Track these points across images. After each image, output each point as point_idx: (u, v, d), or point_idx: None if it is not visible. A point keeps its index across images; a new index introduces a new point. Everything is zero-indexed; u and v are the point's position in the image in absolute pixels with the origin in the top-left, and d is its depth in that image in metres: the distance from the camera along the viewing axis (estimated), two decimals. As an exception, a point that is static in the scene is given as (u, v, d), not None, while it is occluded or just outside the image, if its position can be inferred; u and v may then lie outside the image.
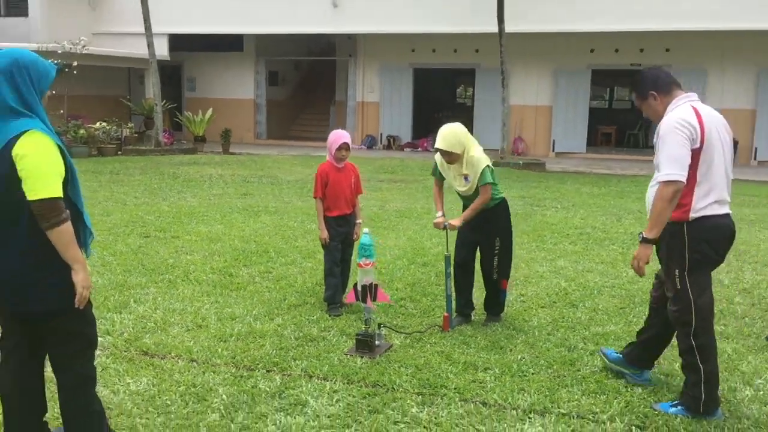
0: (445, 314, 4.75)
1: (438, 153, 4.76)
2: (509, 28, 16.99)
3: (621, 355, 3.97)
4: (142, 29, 17.87)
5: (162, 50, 19.44)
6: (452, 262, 4.86)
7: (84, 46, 16.64)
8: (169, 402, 3.54)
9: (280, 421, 3.36)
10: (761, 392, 3.81)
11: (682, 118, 3.38)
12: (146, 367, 3.96)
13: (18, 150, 2.65)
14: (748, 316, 5.16)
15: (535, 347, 4.41)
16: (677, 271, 3.47)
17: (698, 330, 3.46)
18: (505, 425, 3.36)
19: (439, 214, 4.85)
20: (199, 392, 3.66)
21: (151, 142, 18.27)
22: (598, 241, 7.71)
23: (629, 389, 3.80)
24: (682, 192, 3.36)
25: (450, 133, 4.67)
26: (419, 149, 20.12)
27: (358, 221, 5.27)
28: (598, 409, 3.55)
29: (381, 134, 21.07)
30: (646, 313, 3.98)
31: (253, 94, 22.37)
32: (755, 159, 18.02)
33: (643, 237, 3.41)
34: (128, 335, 4.44)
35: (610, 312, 5.18)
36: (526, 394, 3.69)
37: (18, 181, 2.64)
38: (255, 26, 20.15)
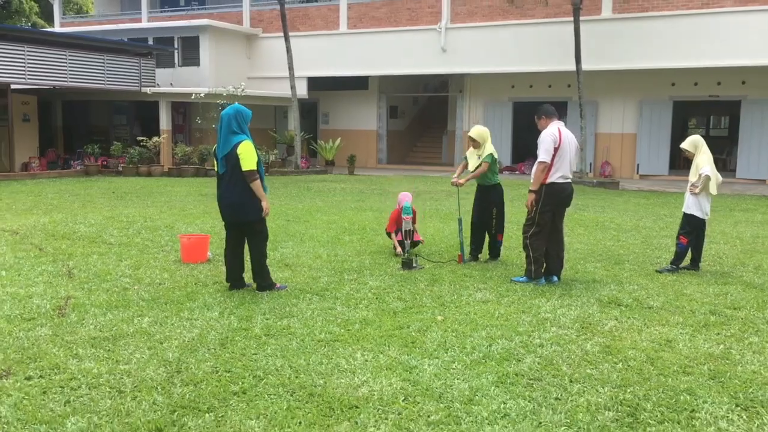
0: (459, 254, 7.92)
1: (470, 140, 7.93)
2: (597, 66, 19.78)
3: (544, 277, 7.00)
4: (286, 74, 22.14)
5: (302, 90, 23.67)
6: (462, 222, 8.04)
7: (243, 89, 21.07)
8: (300, 280, 6.95)
9: (354, 281, 6.68)
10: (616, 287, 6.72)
11: (551, 133, 6.50)
12: (285, 269, 7.41)
13: (239, 149, 6.18)
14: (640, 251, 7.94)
15: (509, 271, 7.49)
16: (537, 206, 6.58)
17: (533, 236, 6.60)
18: (466, 293, 6.49)
19: (455, 177, 7.98)
20: (315, 276, 7.04)
21: (292, 166, 22.41)
22: (603, 229, 10.54)
23: (554, 289, 6.84)
24: (547, 169, 6.48)
25: (481, 130, 7.88)
26: (517, 172, 23.02)
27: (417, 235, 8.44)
28: (524, 292, 6.62)
29: (484, 159, 24.14)
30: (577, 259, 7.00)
31: (375, 126, 26.16)
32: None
33: (529, 190, 6.55)
34: (278, 259, 7.93)
35: (575, 259, 8.12)
36: (491, 286, 6.81)
37: (239, 160, 6.16)
38: (377, 69, 24.00)
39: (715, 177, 7.46)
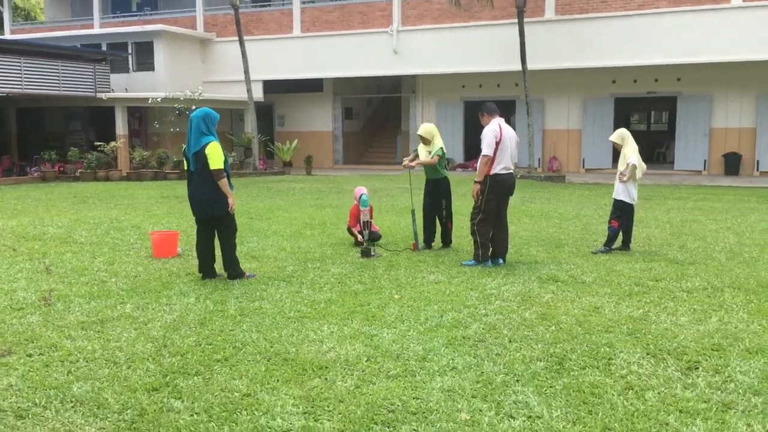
0: (413, 242, 8.56)
1: (420, 138, 8.56)
2: (542, 65, 20.73)
3: (491, 260, 7.68)
4: (242, 77, 22.55)
5: (258, 93, 24.08)
6: (415, 214, 8.68)
7: (200, 93, 21.42)
8: (267, 270, 7.50)
9: (318, 269, 7.26)
10: (568, 267, 7.43)
11: (492, 128, 7.18)
12: (252, 260, 7.95)
13: (207, 149, 6.70)
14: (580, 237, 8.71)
15: (459, 257, 8.15)
16: (483, 196, 7.27)
17: (480, 223, 7.27)
18: (420, 276, 7.13)
19: (406, 161, 8.60)
20: (281, 266, 7.60)
21: (250, 168, 22.82)
22: (547, 218, 11.32)
23: (499, 270, 7.52)
24: (490, 162, 7.17)
25: (428, 127, 8.53)
26: (470, 169, 23.82)
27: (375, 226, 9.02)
28: (473, 273, 7.28)
29: (437, 157, 24.91)
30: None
31: (331, 127, 26.71)
32: (758, 170, 20.77)
33: (475, 181, 7.22)
34: (245, 252, 8.45)
35: (520, 244, 8.83)
36: (442, 269, 7.46)
37: (207, 160, 6.69)
38: (332, 71, 24.55)
39: (641, 166, 8.25)
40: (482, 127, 7.58)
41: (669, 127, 27.34)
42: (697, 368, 4.32)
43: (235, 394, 3.98)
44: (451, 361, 4.47)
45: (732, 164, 21.02)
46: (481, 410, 3.72)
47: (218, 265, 7.12)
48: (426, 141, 8.53)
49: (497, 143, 7.27)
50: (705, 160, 21.57)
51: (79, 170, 20.92)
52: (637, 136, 27.83)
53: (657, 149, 25.46)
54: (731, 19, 19.37)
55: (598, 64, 21.08)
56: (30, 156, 22.98)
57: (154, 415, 3.71)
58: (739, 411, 3.69)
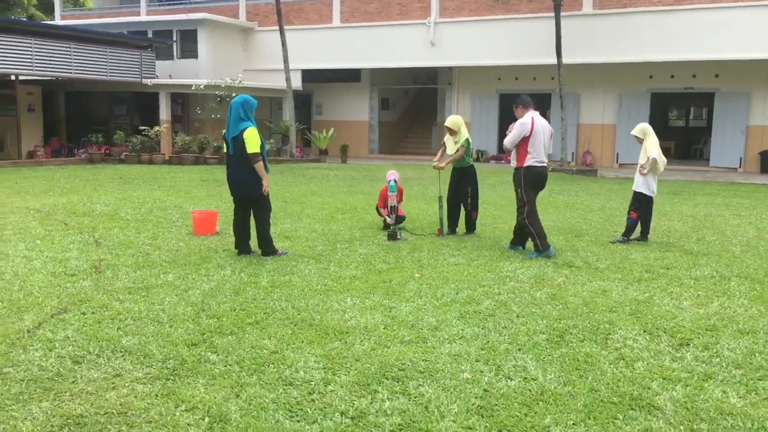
0: (438, 228, 8.97)
1: (447, 129, 8.96)
2: (578, 59, 20.87)
3: (511, 244, 8.02)
4: (281, 66, 23.11)
5: (296, 82, 24.63)
6: (444, 201, 9.08)
7: (241, 81, 22.04)
8: (299, 248, 7.98)
9: (346, 249, 7.71)
10: (586, 253, 7.77)
11: (523, 122, 7.47)
12: (285, 240, 8.44)
13: (245, 134, 7.19)
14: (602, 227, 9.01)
15: (482, 242, 8.53)
16: (520, 190, 7.58)
17: (529, 215, 7.54)
18: (442, 258, 7.53)
19: (436, 160, 9.04)
20: (312, 245, 8.07)
21: (287, 155, 23.40)
22: (572, 209, 11.62)
23: (517, 255, 7.88)
24: (523, 153, 7.48)
25: (455, 119, 8.92)
26: (503, 161, 24.07)
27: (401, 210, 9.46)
28: (492, 257, 7.66)
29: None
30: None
31: (368, 117, 27.17)
32: (793, 167, 20.66)
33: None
34: (278, 232, 8.95)
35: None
36: (464, 253, 7.85)
37: (245, 144, 7.18)
38: (369, 62, 24.99)
39: (661, 159, 8.52)
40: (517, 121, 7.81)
41: (707, 124, 27.24)
42: (689, 344, 4.67)
43: (264, 351, 4.45)
44: (460, 331, 4.88)
45: (768, 162, 20.95)
46: (482, 371, 4.14)
47: (253, 243, 7.62)
48: (452, 132, 8.91)
49: (527, 137, 7.53)
50: (741, 158, 21.50)
51: (124, 153, 21.71)
52: (675, 132, 27.85)
53: (694, 145, 25.39)
54: (771, 16, 19.27)
55: (635, 59, 21.12)
56: (77, 138, 23.90)
57: (192, 365, 4.20)
58: (718, 380, 4.04)
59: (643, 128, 8.64)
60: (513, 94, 24.56)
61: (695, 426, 3.45)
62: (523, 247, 8.03)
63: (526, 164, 7.63)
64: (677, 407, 3.65)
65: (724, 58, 20.19)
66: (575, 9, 21.61)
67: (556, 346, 4.62)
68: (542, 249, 7.60)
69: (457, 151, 8.85)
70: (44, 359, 4.27)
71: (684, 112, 30.14)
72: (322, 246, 8.08)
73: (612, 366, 4.25)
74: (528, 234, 7.82)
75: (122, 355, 4.36)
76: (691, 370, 4.20)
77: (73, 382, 3.95)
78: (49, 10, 39.53)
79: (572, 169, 20.21)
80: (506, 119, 25.12)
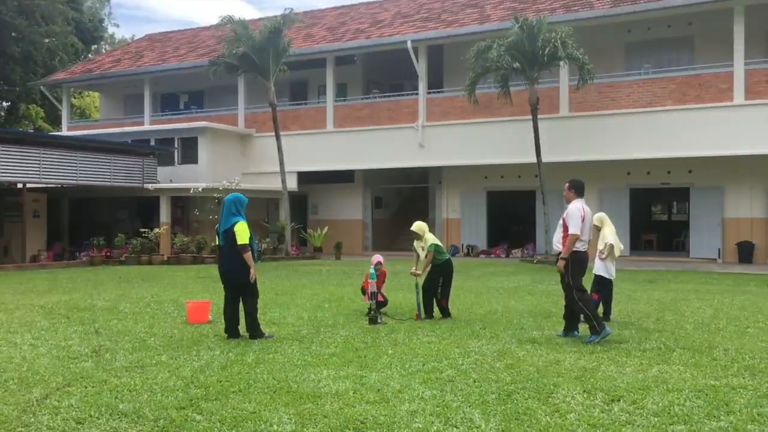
0: (417, 313, 9.64)
1: (413, 233, 9.78)
2: (559, 158, 22.04)
3: (564, 332, 8.44)
4: (277, 169, 24.30)
5: (292, 184, 25.78)
6: (420, 288, 9.79)
7: (237, 183, 23.14)
8: (285, 333, 8.62)
9: (329, 332, 8.34)
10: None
11: (578, 207, 8.05)
12: (272, 326, 9.08)
13: (236, 227, 8.00)
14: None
15: (456, 325, 9.17)
16: (568, 273, 8.06)
17: (582, 299, 7.94)
18: (416, 338, 8.15)
19: (414, 268, 9.81)
20: (297, 330, 8.70)
21: (283, 253, 24.23)
22: (548, 295, 12.29)
23: (485, 333, 8.52)
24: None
25: (420, 225, 9.74)
26: (492, 255, 24.87)
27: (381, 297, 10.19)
28: (462, 335, 8.28)
29: (462, 244, 26.08)
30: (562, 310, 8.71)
31: (362, 215, 28.18)
32: (770, 257, 21.42)
33: (561, 257, 8.05)
34: (267, 319, 9.60)
35: (513, 316, 9.81)
36: (437, 333, 8.49)
37: (235, 236, 7.97)
38: (362, 163, 26.24)
39: (618, 245, 9.30)
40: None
41: (688, 218, 28.24)
42: (619, 400, 5.28)
43: (244, 411, 5.07)
44: (420, 393, 5.50)
45: (745, 252, 21.68)
46: (432, 422, 4.75)
47: (242, 329, 8.27)
48: (418, 236, 9.74)
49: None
50: (719, 249, 22.29)
51: (124, 255, 22.52)
52: (658, 226, 28.64)
53: (676, 238, 26.24)
54: (735, 116, 20.52)
55: (611, 157, 22.27)
56: (79, 242, 24.77)
57: (180, 422, 4.82)
58: (635, 425, 4.65)
59: (601, 217, 9.47)
60: (499, 191, 25.75)
61: (606, 458, 4.05)
62: (578, 332, 8.24)
63: (576, 249, 7.92)
64: (594, 444, 4.26)
65: (696, 155, 21.32)
66: (553, 112, 22.97)
67: (502, 402, 5.23)
68: (599, 330, 7.68)
69: (426, 255, 9.64)
70: (51, 421, 4.89)
71: (666, 206, 31.24)
72: (307, 330, 8.73)
73: (547, 416, 4.86)
74: (579, 317, 8.05)
75: (119, 417, 4.97)
76: (615, 419, 4.81)
77: (76, 437, 4.56)
78: (56, 122, 41.46)
79: (556, 261, 20.91)
80: (494, 215, 26.17)
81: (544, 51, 20.02)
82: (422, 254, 9.74)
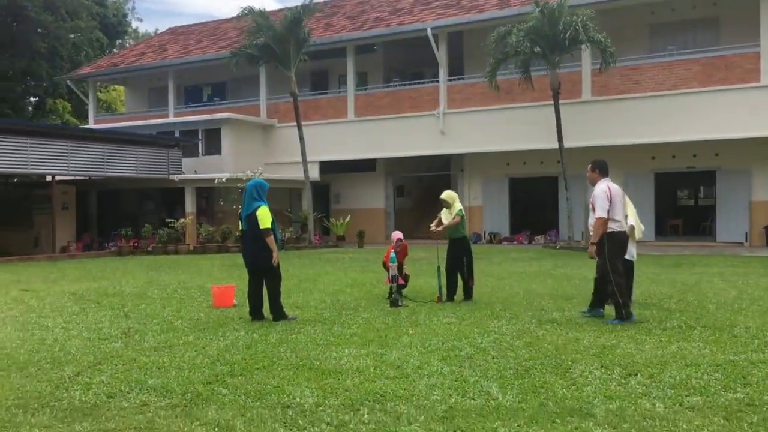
0: (438, 295, 9.73)
1: (442, 201, 9.86)
2: (581, 143, 21.93)
3: (590, 308, 8.47)
4: (299, 159, 24.48)
5: (314, 174, 25.96)
6: (442, 270, 9.87)
7: (260, 173, 23.36)
8: (308, 316, 8.77)
9: (351, 314, 8.48)
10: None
11: (603, 189, 7.94)
12: (296, 309, 9.24)
13: (258, 212, 8.15)
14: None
15: (477, 307, 9.25)
16: (603, 259, 8.05)
17: (617, 284, 7.89)
18: (436, 319, 8.26)
19: (432, 226, 9.88)
20: (320, 313, 8.85)
21: (306, 242, 24.44)
22: (569, 279, 12.31)
23: (505, 314, 8.60)
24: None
25: (450, 193, 9.85)
26: (515, 242, 24.84)
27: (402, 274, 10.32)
28: (482, 316, 8.38)
29: (484, 231, 26.09)
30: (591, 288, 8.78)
31: (384, 204, 28.29)
32: (796, 240, 21.15)
33: (591, 242, 8.03)
34: (291, 303, 9.76)
35: (533, 298, 9.86)
36: (457, 314, 8.58)
37: (257, 221, 8.12)
38: (384, 152, 26.33)
39: (638, 227, 9.29)
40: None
41: (714, 201, 27.96)
42: (636, 374, 5.34)
43: (267, 386, 5.23)
44: (439, 369, 5.61)
45: (773, 236, 21.46)
46: (450, 395, 4.85)
47: (266, 311, 8.43)
48: (447, 204, 9.82)
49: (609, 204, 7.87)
50: (746, 232, 22.06)
51: (152, 245, 22.88)
52: (684, 210, 28.37)
53: (702, 222, 25.98)
54: (763, 97, 20.25)
55: (635, 141, 22.08)
56: (108, 233, 25.20)
57: (207, 396, 4.99)
58: (651, 397, 4.71)
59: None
60: (522, 178, 25.69)
61: (620, 426, 4.13)
62: (603, 310, 8.23)
63: (608, 231, 7.78)
64: (609, 414, 4.34)
65: (723, 138, 21.09)
66: (575, 97, 22.84)
67: (520, 377, 5.32)
68: (625, 318, 7.64)
69: (454, 218, 9.71)
70: (83, 395, 5.08)
71: (692, 191, 30.92)
72: (329, 313, 8.87)
73: (564, 389, 4.94)
74: (607, 297, 7.93)
75: (148, 391, 5.15)
76: (631, 391, 4.88)
77: (107, 409, 4.74)
78: (83, 116, 42.06)
79: (579, 246, 20.87)
80: (516, 202, 26.13)
81: (565, 35, 19.89)
82: (447, 220, 9.79)
